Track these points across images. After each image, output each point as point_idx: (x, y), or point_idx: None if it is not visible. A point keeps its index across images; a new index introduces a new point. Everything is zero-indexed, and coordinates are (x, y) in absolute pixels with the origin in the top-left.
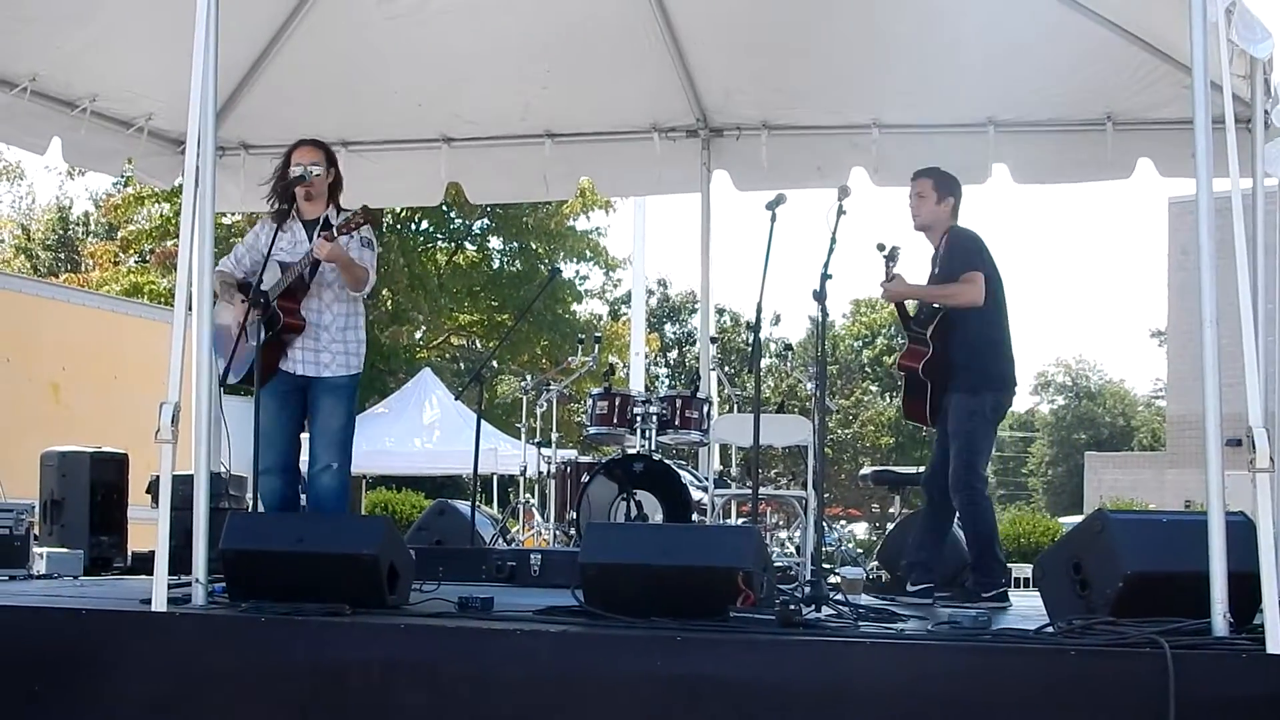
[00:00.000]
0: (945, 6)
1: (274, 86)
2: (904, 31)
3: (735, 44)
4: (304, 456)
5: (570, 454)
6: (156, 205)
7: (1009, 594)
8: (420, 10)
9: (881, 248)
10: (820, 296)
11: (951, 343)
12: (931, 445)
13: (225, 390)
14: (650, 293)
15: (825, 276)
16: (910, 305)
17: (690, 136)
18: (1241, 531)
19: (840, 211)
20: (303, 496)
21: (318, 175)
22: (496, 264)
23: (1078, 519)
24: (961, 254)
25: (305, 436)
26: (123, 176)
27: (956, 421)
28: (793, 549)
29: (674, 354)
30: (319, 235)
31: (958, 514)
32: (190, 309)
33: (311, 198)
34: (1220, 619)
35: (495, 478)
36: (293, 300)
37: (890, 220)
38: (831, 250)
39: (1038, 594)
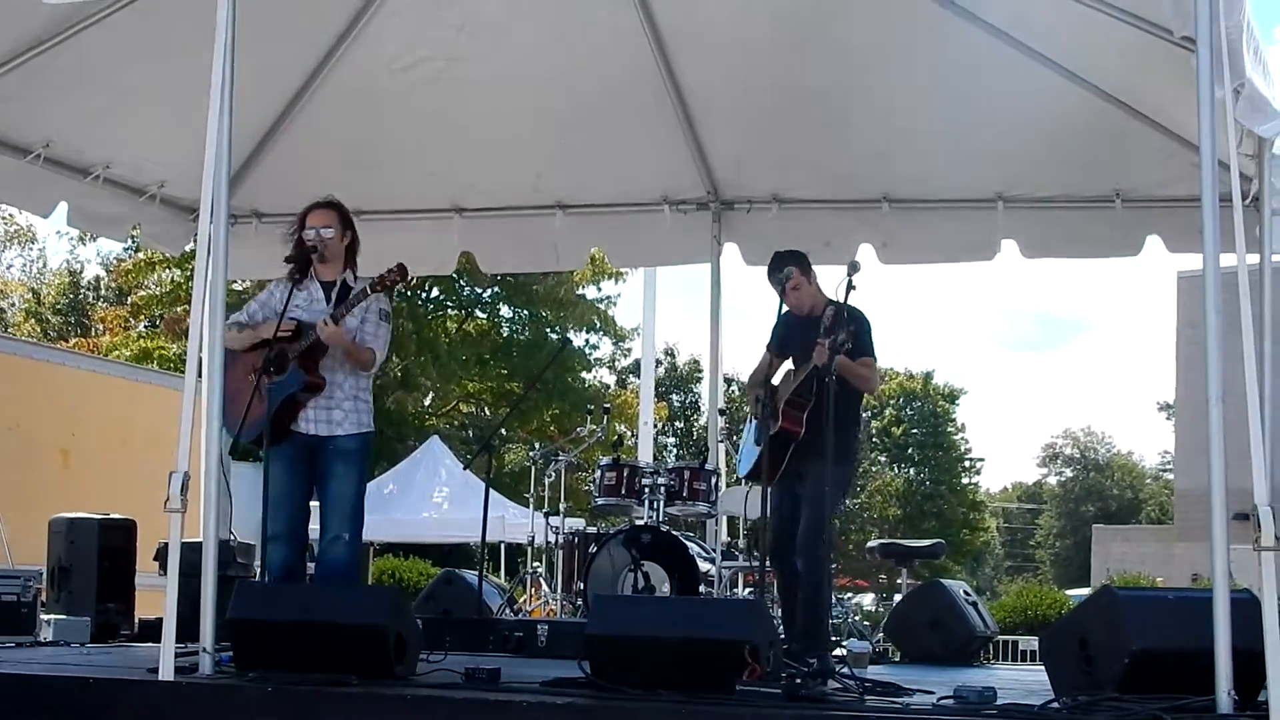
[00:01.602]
0: (956, 82)
1: (287, 155)
2: (914, 107)
3: (747, 118)
4: (313, 522)
5: (578, 523)
6: (167, 271)
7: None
8: (433, 81)
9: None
10: (828, 371)
11: (824, 413)
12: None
13: (233, 456)
14: (658, 362)
15: (835, 350)
16: (781, 373)
17: (701, 209)
18: (1247, 609)
19: (850, 287)
20: (310, 564)
21: (330, 237)
22: (506, 332)
23: (1085, 592)
24: (861, 336)
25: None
26: (133, 241)
27: (816, 487)
28: None
29: (680, 423)
30: (325, 317)
31: (798, 577)
32: (200, 377)
33: (326, 260)
34: (1225, 696)
35: (503, 546)
36: (312, 359)
37: (899, 297)
38: (841, 325)
39: (1043, 668)
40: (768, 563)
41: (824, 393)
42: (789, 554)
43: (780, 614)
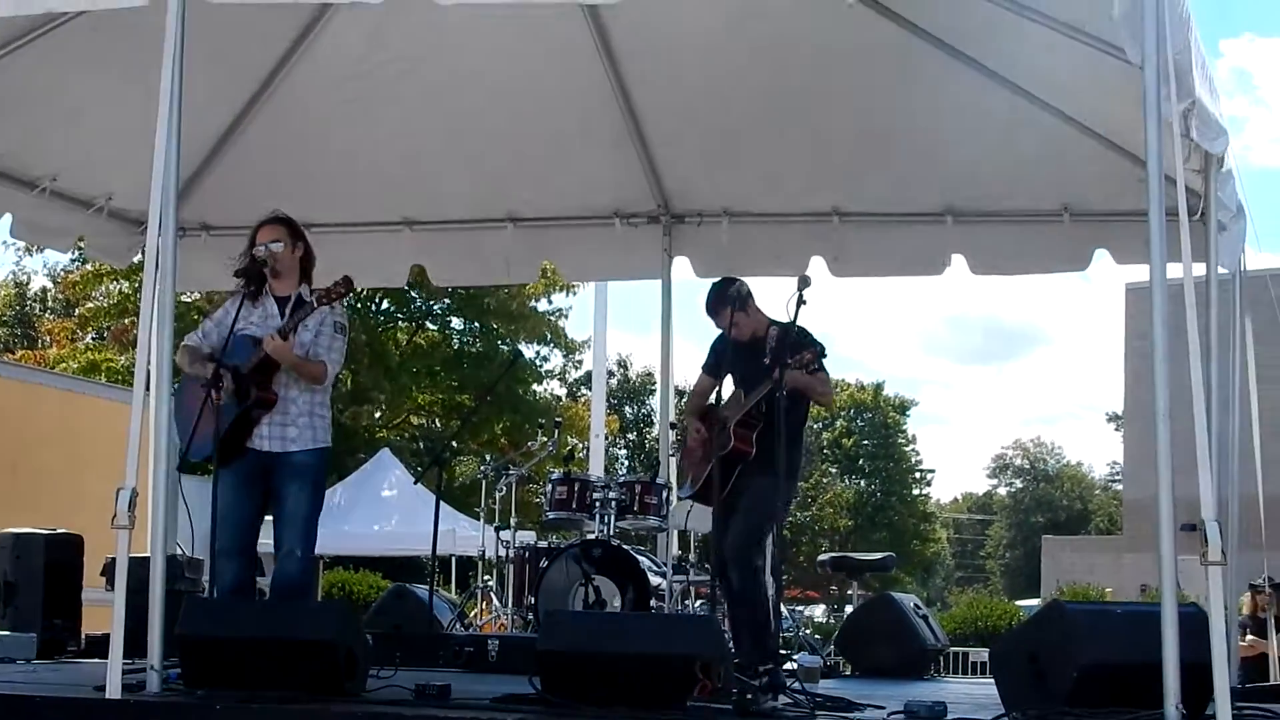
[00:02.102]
0: (906, 97)
1: (236, 168)
2: (865, 121)
3: (698, 132)
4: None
5: (529, 537)
6: (115, 283)
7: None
8: (384, 94)
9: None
10: (779, 386)
11: (771, 431)
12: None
13: (183, 470)
14: (610, 374)
15: (784, 365)
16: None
17: (652, 223)
18: (1194, 623)
19: (800, 301)
20: (260, 580)
21: (279, 251)
22: (457, 344)
23: (1035, 602)
24: (807, 350)
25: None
26: (80, 253)
27: (756, 500)
28: None
29: (633, 435)
30: (273, 332)
31: (729, 590)
32: (149, 390)
33: (278, 274)
34: (1173, 710)
35: (454, 559)
36: (265, 375)
37: (849, 311)
38: (793, 346)
39: (993, 682)
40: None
41: (775, 412)
42: (723, 568)
43: (730, 629)
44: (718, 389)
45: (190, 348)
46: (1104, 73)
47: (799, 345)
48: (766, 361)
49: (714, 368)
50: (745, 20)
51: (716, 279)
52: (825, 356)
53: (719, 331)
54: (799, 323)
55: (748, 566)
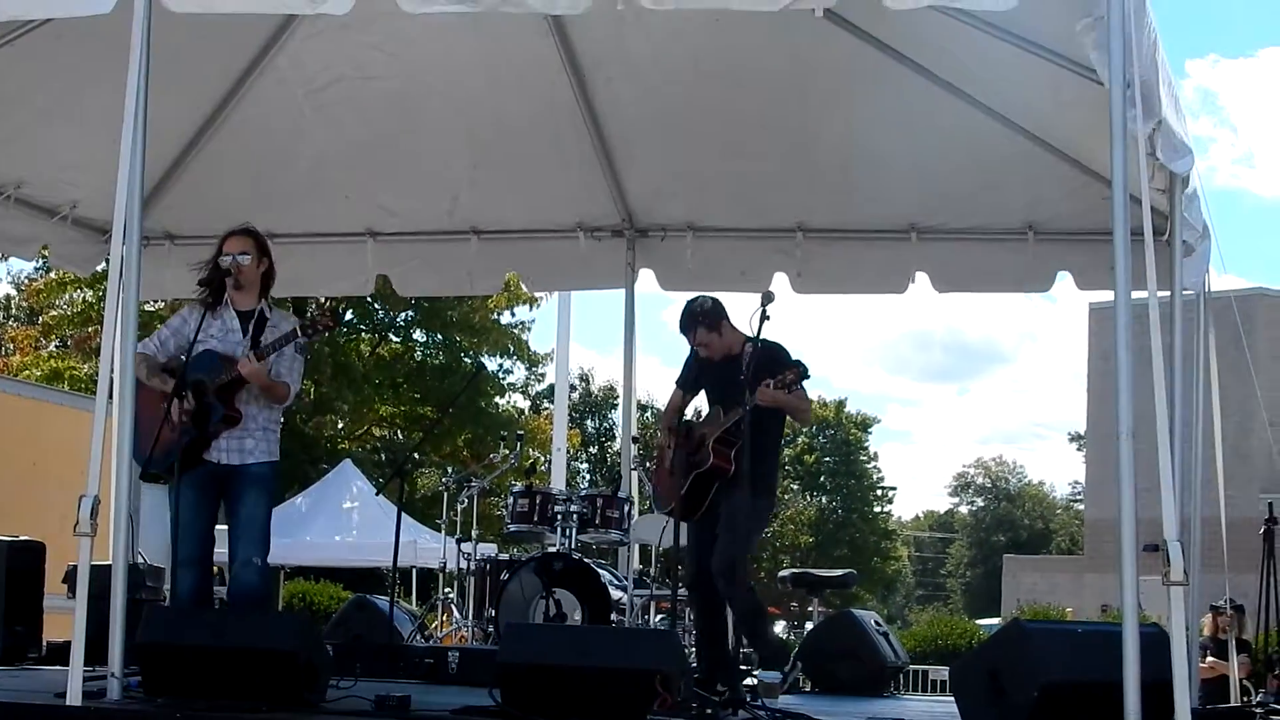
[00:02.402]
0: (869, 114)
1: (201, 177)
2: (829, 138)
3: (662, 147)
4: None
5: (490, 549)
6: (79, 291)
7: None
8: (348, 104)
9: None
10: (746, 401)
11: (748, 449)
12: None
13: (141, 480)
14: (572, 388)
15: (749, 381)
16: (693, 410)
17: (615, 236)
18: (1155, 642)
19: (764, 316)
20: (219, 589)
21: (246, 263)
22: (420, 356)
23: (996, 621)
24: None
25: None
26: (44, 261)
27: (735, 517)
28: None
29: (595, 449)
30: (247, 352)
31: (724, 600)
32: (111, 399)
33: (241, 286)
34: None
35: (415, 571)
36: (230, 393)
37: (812, 327)
38: (769, 355)
39: (953, 700)
40: (686, 593)
41: (753, 429)
42: (709, 585)
43: (694, 644)
44: (689, 404)
45: (147, 357)
46: (1071, 91)
47: (776, 363)
48: (743, 378)
49: (688, 382)
50: (711, 36)
51: (691, 296)
52: (808, 377)
53: (693, 351)
54: (772, 339)
55: (737, 582)
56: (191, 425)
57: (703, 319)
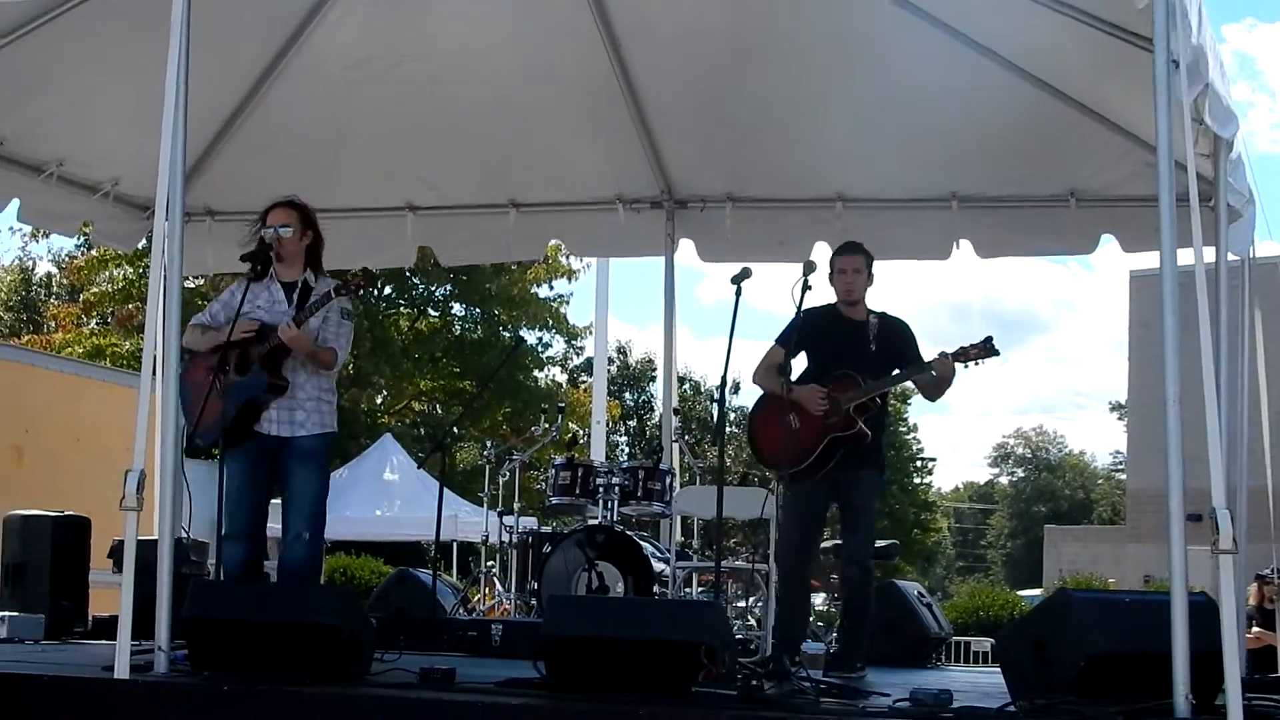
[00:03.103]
0: (912, 81)
1: (241, 153)
2: (869, 106)
3: (701, 117)
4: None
5: (531, 523)
6: (120, 268)
7: None
8: (387, 78)
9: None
10: (785, 370)
11: (871, 425)
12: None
13: (187, 454)
14: (611, 360)
15: (790, 351)
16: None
17: (654, 208)
18: (1204, 612)
19: (806, 286)
20: (267, 563)
21: (287, 236)
22: (458, 330)
23: (1037, 592)
24: (916, 345)
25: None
26: (85, 238)
27: (866, 497)
28: (753, 621)
29: (633, 422)
30: (287, 319)
31: (849, 587)
32: (156, 374)
33: (284, 259)
34: (1182, 700)
35: (455, 545)
36: (275, 361)
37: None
38: (796, 324)
39: (998, 670)
40: (777, 561)
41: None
42: (808, 558)
43: (771, 614)
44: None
45: (200, 325)
46: (1112, 55)
47: (904, 339)
48: (873, 349)
49: (792, 340)
50: (748, 6)
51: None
52: (997, 354)
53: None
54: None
55: (868, 565)
56: (241, 386)
57: (866, 255)
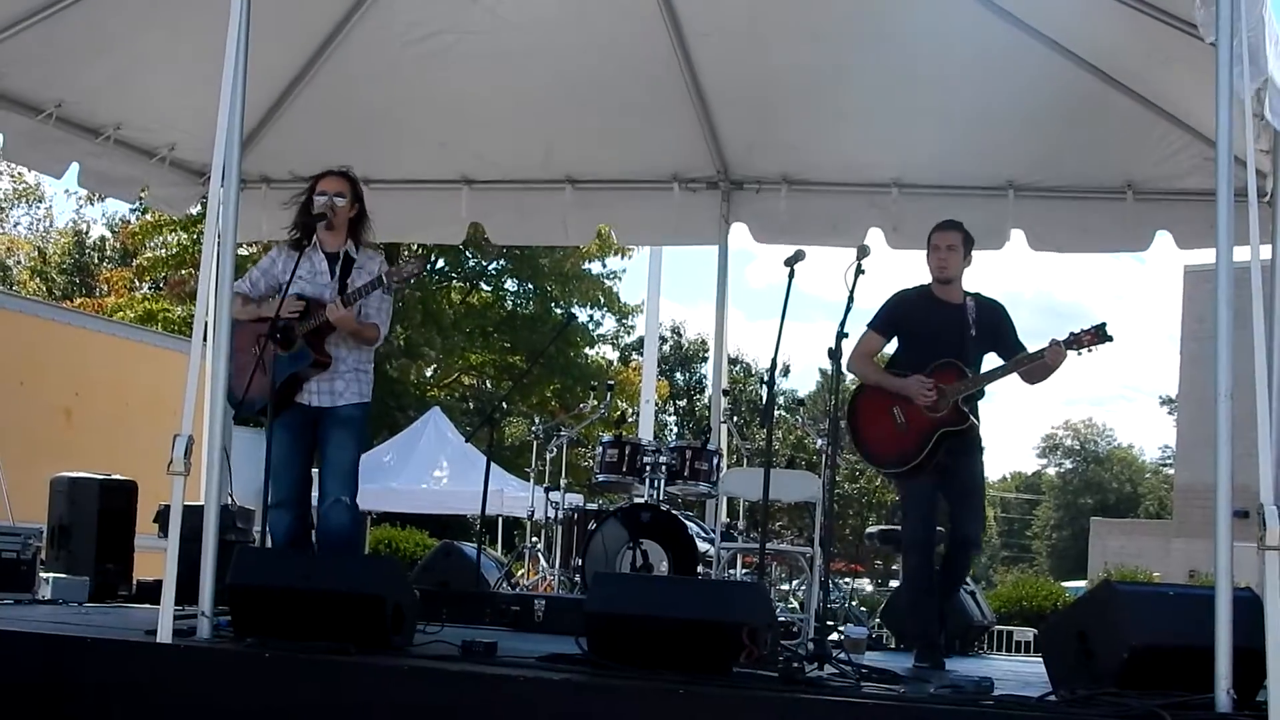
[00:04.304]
0: (970, 68)
1: (298, 122)
2: (927, 92)
3: (759, 99)
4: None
5: (577, 499)
6: (173, 233)
7: None
8: (446, 53)
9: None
10: (836, 355)
11: (973, 408)
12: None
13: (234, 421)
14: (663, 339)
15: (842, 335)
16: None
17: (710, 188)
18: (1248, 608)
19: (859, 271)
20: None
21: (341, 205)
22: (510, 305)
23: (1081, 584)
24: (1014, 328)
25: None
26: (140, 203)
27: (977, 478)
28: (796, 604)
29: (683, 402)
30: (334, 297)
31: (957, 573)
32: (206, 341)
33: (333, 228)
34: (1224, 695)
35: (501, 520)
36: (319, 337)
37: (901, 284)
38: (849, 309)
39: (1039, 660)
40: (903, 557)
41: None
42: (933, 550)
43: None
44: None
45: (242, 295)
46: (1173, 47)
47: (1003, 324)
48: (972, 334)
49: (887, 326)
50: None
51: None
52: (1111, 339)
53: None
54: (992, 296)
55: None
56: (286, 360)
57: (964, 233)
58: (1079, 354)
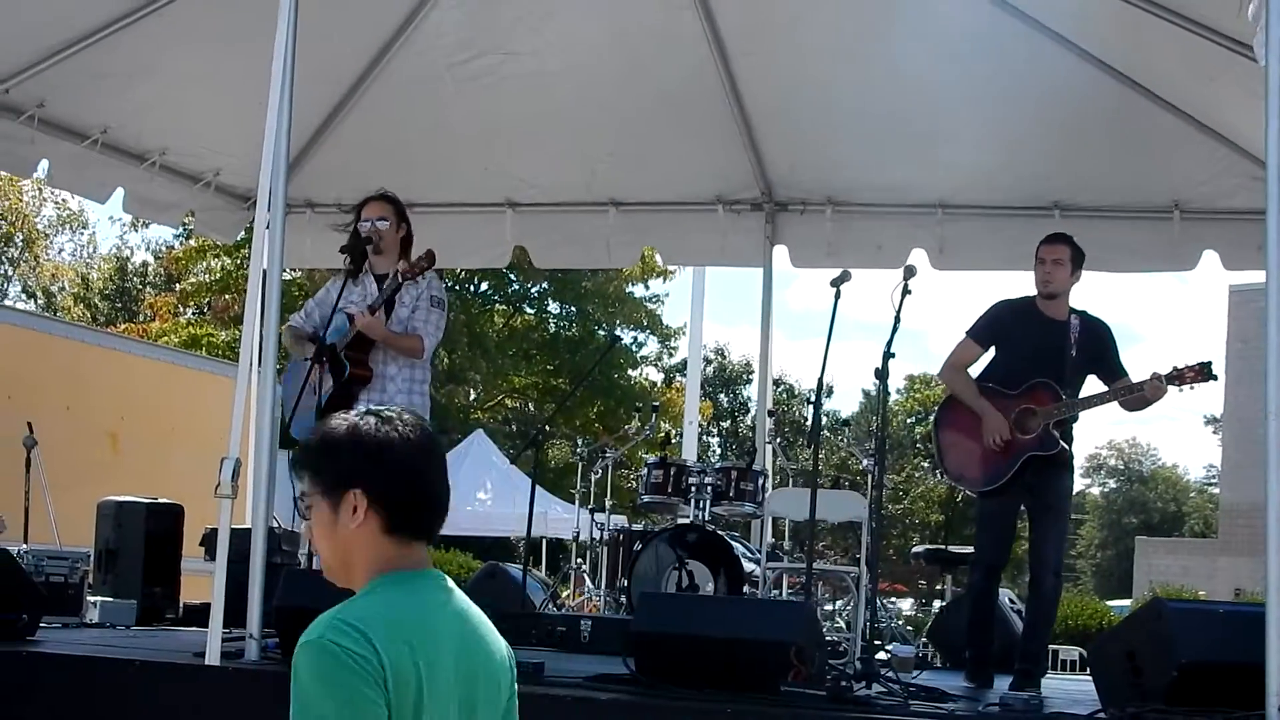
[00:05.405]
0: (1015, 88)
1: (342, 146)
2: (972, 113)
3: (803, 121)
4: None
5: (622, 520)
6: (217, 259)
7: None
8: (489, 75)
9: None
10: (883, 375)
11: (1065, 432)
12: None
13: (283, 445)
14: (707, 360)
15: (889, 355)
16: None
17: (754, 210)
18: None
19: (906, 291)
20: None
21: (384, 229)
22: (553, 328)
23: (1127, 603)
24: (1117, 350)
25: None
26: (184, 229)
27: (1062, 500)
28: (841, 623)
29: (727, 423)
30: (363, 309)
31: (1042, 595)
32: (254, 365)
33: (381, 251)
34: (1275, 712)
35: (544, 541)
36: (361, 351)
37: (944, 305)
38: (895, 329)
39: (1088, 677)
40: (982, 577)
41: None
42: (1000, 573)
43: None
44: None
45: (293, 328)
46: (1218, 65)
47: (1106, 345)
48: (1073, 354)
49: (987, 336)
50: (857, 8)
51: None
52: (1214, 378)
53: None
54: (1098, 316)
55: (1060, 574)
56: (331, 378)
57: (1073, 246)
58: (1180, 390)
